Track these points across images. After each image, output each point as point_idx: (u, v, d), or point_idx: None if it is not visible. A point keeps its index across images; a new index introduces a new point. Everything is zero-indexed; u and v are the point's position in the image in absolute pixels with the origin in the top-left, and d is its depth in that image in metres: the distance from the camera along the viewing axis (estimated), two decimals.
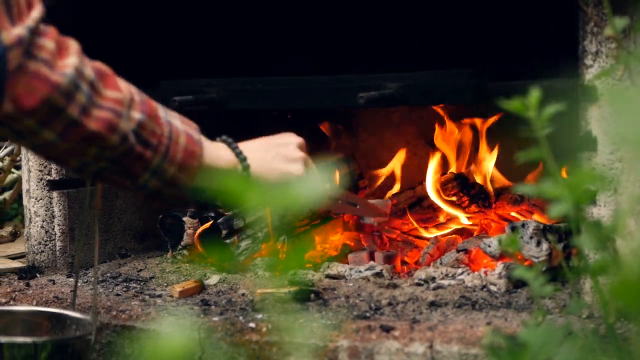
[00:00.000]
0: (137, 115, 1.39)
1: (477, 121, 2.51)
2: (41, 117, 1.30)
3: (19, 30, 1.26)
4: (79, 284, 2.16)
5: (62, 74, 1.30)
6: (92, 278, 1.59)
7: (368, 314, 1.80)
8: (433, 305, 1.84)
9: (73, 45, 1.36)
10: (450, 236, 2.27)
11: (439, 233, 2.31)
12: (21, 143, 1.41)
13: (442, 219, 2.37)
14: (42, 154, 1.40)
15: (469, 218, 2.35)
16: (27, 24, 1.28)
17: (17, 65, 1.26)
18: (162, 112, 1.44)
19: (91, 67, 1.37)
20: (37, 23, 1.30)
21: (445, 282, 1.95)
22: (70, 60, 1.32)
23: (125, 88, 1.40)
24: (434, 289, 1.92)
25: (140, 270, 2.26)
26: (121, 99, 1.37)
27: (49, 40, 1.31)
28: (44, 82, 1.29)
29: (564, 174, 1.69)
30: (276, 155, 1.58)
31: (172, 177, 1.43)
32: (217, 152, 1.50)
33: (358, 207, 2.01)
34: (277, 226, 2.23)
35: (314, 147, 2.71)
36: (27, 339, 1.52)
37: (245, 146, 1.55)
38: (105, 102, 1.35)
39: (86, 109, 1.32)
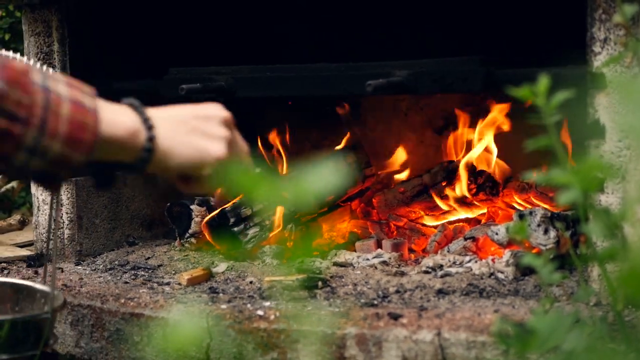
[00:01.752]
0: None
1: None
2: None
3: None
4: (87, 272, 2.17)
5: None
6: (52, 246, 1.55)
7: (376, 302, 1.81)
8: (441, 292, 1.84)
9: None
10: (457, 224, 2.27)
11: (446, 220, 2.31)
12: None
13: (445, 207, 2.37)
14: None
15: (476, 206, 2.35)
16: None
17: None
18: (38, 76, 1.19)
19: None
20: None
21: (453, 269, 1.95)
22: None
23: None
24: (442, 276, 1.92)
25: (149, 258, 2.27)
26: None
27: None
28: None
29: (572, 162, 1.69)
30: (193, 128, 1.32)
31: (60, 155, 1.19)
32: (117, 117, 1.25)
33: None
34: (285, 215, 2.24)
35: (322, 135, 2.71)
36: None
37: (156, 113, 1.30)
38: None
39: None
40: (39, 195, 2.31)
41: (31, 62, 1.56)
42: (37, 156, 1.18)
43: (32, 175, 1.23)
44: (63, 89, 1.20)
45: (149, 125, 1.27)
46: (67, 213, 2.29)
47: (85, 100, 1.21)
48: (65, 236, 2.30)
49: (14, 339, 1.48)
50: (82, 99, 1.21)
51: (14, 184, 3.13)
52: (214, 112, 1.35)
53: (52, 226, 1.52)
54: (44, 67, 1.20)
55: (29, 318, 1.54)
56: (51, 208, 1.59)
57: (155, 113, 1.29)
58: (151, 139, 1.26)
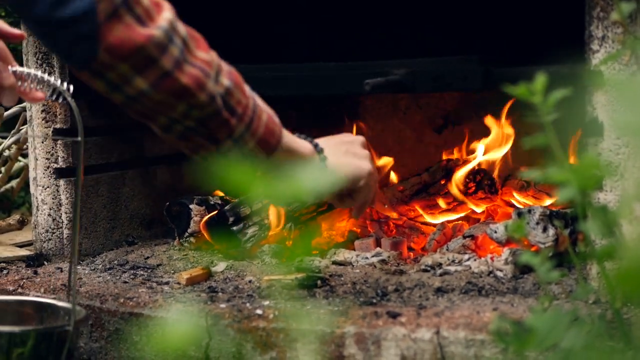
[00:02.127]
0: (225, 81, 1.44)
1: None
2: (135, 63, 1.35)
3: None
4: (86, 272, 2.17)
5: (158, 27, 1.36)
6: (73, 264, 1.58)
7: (375, 300, 1.81)
8: (439, 291, 1.84)
9: (166, 3, 1.41)
10: (456, 222, 2.27)
11: (445, 219, 2.31)
12: (114, 97, 1.42)
13: (443, 205, 2.37)
14: (133, 108, 1.43)
15: (475, 204, 2.35)
16: None
17: (108, 14, 1.32)
18: (247, 86, 1.50)
19: (183, 26, 1.42)
20: None
21: (452, 268, 1.95)
22: (165, 15, 1.38)
23: (214, 54, 1.45)
24: (441, 275, 1.93)
25: (148, 257, 2.27)
26: (210, 61, 1.42)
27: None
28: (139, 34, 1.34)
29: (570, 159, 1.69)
30: (347, 151, 1.65)
31: (251, 150, 1.48)
32: (294, 139, 1.57)
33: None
34: (284, 214, 2.24)
35: (320, 135, 2.71)
36: (12, 328, 1.54)
37: (320, 140, 1.63)
38: (196, 60, 1.40)
39: (179, 63, 1.37)
40: (38, 195, 2.31)
41: None
42: (237, 147, 1.47)
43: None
44: (260, 101, 1.51)
45: (319, 149, 1.61)
46: (65, 213, 2.29)
47: (273, 115, 1.53)
48: (64, 236, 2.30)
49: (37, 353, 1.51)
50: (271, 113, 1.53)
51: (13, 183, 3.13)
52: (354, 137, 1.71)
53: (77, 240, 1.58)
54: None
55: (52, 330, 1.57)
56: (74, 224, 1.60)
57: (319, 141, 1.63)
58: (324, 159, 1.61)
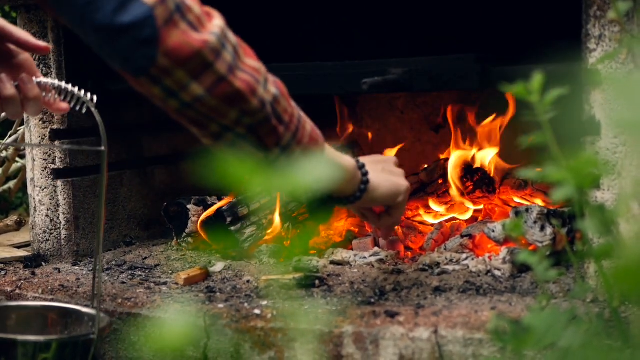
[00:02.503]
0: (272, 89, 1.48)
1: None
2: (192, 69, 1.38)
3: None
4: (84, 272, 2.17)
5: (211, 33, 1.41)
6: (96, 272, 1.59)
7: (373, 300, 1.81)
8: (437, 290, 1.84)
9: (216, 12, 1.47)
10: (454, 221, 2.27)
11: (442, 218, 2.31)
12: (169, 104, 1.45)
13: (442, 210, 2.37)
14: (187, 115, 1.46)
15: (473, 203, 2.35)
16: None
17: (165, 19, 1.36)
18: (291, 99, 1.54)
19: (233, 35, 1.46)
20: None
21: (450, 267, 1.95)
22: (216, 22, 1.44)
23: (261, 63, 1.50)
24: (439, 274, 1.93)
25: (146, 258, 2.27)
26: (259, 69, 1.47)
27: (193, 3, 1.41)
28: (195, 39, 1.38)
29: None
30: (383, 169, 1.74)
31: (296, 159, 1.51)
32: (337, 152, 1.64)
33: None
34: (282, 213, 2.24)
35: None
36: (40, 338, 1.55)
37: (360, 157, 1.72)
38: (246, 67, 1.44)
39: (232, 68, 1.41)
40: (36, 196, 2.31)
41: None
42: (284, 155, 1.50)
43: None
44: (303, 113, 1.56)
45: (360, 165, 1.69)
46: (63, 213, 2.29)
47: (314, 126, 1.58)
48: (62, 237, 2.30)
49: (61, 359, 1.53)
50: (314, 125, 1.58)
51: (10, 184, 3.13)
52: (387, 157, 1.82)
53: (100, 244, 1.59)
54: None
55: (76, 339, 1.58)
56: (99, 225, 1.61)
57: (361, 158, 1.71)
58: (366, 174, 1.68)
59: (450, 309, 1.71)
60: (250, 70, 1.44)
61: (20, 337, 1.54)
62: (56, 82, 1.59)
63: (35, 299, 1.99)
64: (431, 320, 1.66)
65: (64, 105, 1.61)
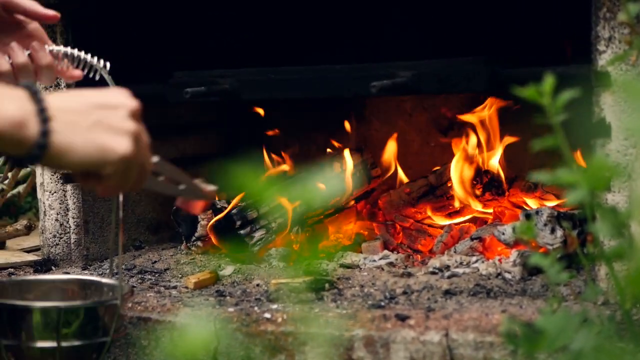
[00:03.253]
0: None
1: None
2: None
3: None
4: (94, 276, 2.17)
5: None
6: (117, 242, 1.58)
7: (383, 303, 1.80)
8: (448, 293, 1.84)
9: None
10: (464, 224, 2.27)
11: (453, 221, 2.31)
12: None
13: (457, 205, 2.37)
14: None
15: (482, 206, 2.34)
16: None
17: None
18: None
19: None
20: None
21: (460, 270, 1.95)
22: None
23: None
24: (449, 277, 1.92)
25: (155, 261, 2.27)
26: None
27: None
28: None
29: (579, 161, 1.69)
30: (97, 121, 1.14)
31: None
32: (2, 105, 1.07)
33: (182, 187, 1.49)
34: (293, 217, 2.24)
35: (327, 137, 2.71)
36: (60, 303, 1.56)
37: (57, 101, 1.12)
38: None
39: None
40: (45, 200, 2.31)
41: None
42: None
43: None
44: None
45: (44, 117, 1.10)
46: (73, 218, 2.29)
47: None
48: (72, 241, 2.30)
49: (85, 326, 1.54)
50: None
51: (20, 189, 3.14)
52: (121, 102, 1.18)
53: (120, 217, 1.54)
54: None
55: (99, 304, 1.58)
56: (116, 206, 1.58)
57: (55, 101, 1.12)
58: (45, 133, 1.10)
59: (461, 312, 1.71)
60: None
61: (40, 304, 1.56)
62: (68, 49, 1.58)
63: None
64: (442, 323, 1.66)
65: (77, 73, 1.59)
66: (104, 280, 1.72)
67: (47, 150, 1.10)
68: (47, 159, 1.11)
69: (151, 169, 1.27)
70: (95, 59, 1.56)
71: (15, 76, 1.55)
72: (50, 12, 1.59)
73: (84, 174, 1.17)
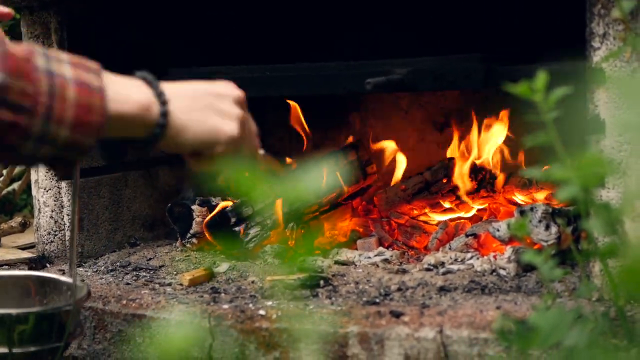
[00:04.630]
0: None
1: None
2: None
3: None
4: (88, 273, 2.17)
5: None
6: (73, 237, 1.56)
7: (378, 300, 1.80)
8: (442, 290, 1.84)
9: None
10: (459, 221, 2.27)
11: (447, 217, 2.31)
12: None
13: (448, 204, 2.37)
14: None
15: (477, 203, 2.34)
16: None
17: None
18: (41, 60, 1.15)
19: None
20: None
21: (455, 266, 1.95)
22: None
23: None
24: (443, 273, 1.92)
25: (150, 259, 2.27)
26: None
27: None
28: None
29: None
30: (207, 105, 1.29)
31: (69, 141, 1.15)
32: (127, 92, 1.22)
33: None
34: (286, 214, 2.24)
35: (323, 134, 2.71)
36: (12, 310, 1.54)
37: (170, 88, 1.27)
38: None
39: None
40: (40, 197, 2.31)
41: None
42: (46, 144, 1.15)
43: (42, 162, 1.19)
44: (67, 70, 1.16)
45: (162, 100, 1.24)
46: (68, 215, 2.29)
47: (92, 79, 1.17)
48: (67, 238, 2.30)
49: (39, 331, 1.53)
50: (88, 78, 1.17)
51: (15, 186, 3.13)
52: (228, 90, 1.33)
53: (76, 216, 1.52)
54: (47, 49, 1.17)
55: (52, 311, 1.57)
56: (74, 197, 1.52)
57: (169, 88, 1.26)
58: (165, 114, 1.23)
59: (455, 308, 1.71)
60: None
61: None
62: None
63: None
64: (436, 319, 1.66)
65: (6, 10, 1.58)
66: (62, 278, 1.69)
67: (167, 129, 1.24)
68: (165, 139, 1.24)
69: (258, 156, 1.39)
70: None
71: None
72: (5, 9, 1.57)
73: (195, 154, 1.30)
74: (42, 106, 1.13)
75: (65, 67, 1.16)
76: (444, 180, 2.42)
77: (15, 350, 1.50)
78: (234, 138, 1.30)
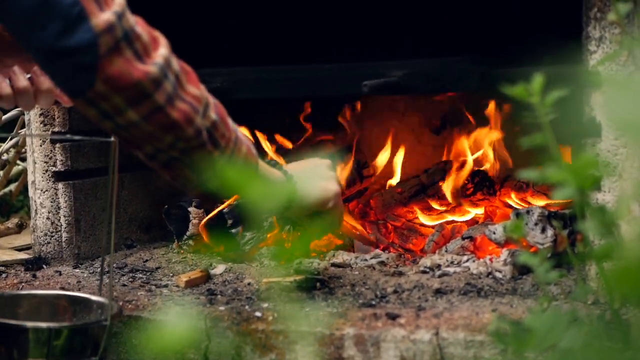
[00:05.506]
0: (212, 115, 1.47)
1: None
2: (130, 96, 1.38)
3: (107, 16, 1.34)
4: (85, 275, 2.17)
5: (154, 64, 1.39)
6: (107, 265, 1.61)
7: (374, 302, 1.81)
8: (438, 292, 1.84)
9: (162, 37, 1.44)
10: (455, 223, 2.27)
11: (443, 220, 2.31)
12: (104, 124, 1.45)
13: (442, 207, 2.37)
14: (121, 135, 1.47)
15: (474, 206, 2.35)
16: (114, 10, 1.36)
17: (109, 47, 1.34)
18: (229, 119, 1.54)
19: (177, 61, 1.45)
20: (123, 8, 1.38)
21: (451, 269, 1.95)
22: (161, 51, 1.42)
23: (203, 88, 1.49)
24: (440, 276, 1.92)
25: (146, 260, 2.26)
26: (199, 96, 1.46)
27: (142, 30, 1.40)
28: (137, 69, 1.37)
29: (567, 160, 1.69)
30: (314, 174, 1.74)
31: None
32: (268, 169, 1.65)
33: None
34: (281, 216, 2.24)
35: (320, 136, 2.71)
36: (51, 324, 1.57)
37: (288, 167, 1.71)
38: (187, 96, 1.43)
39: (171, 98, 1.41)
40: (37, 198, 2.30)
41: None
42: (218, 176, 1.47)
43: (207, 192, 1.57)
44: (240, 133, 1.55)
45: (289, 176, 1.68)
46: (64, 216, 2.29)
47: (251, 146, 1.59)
48: (63, 239, 2.29)
49: (72, 347, 1.55)
50: (250, 145, 1.58)
51: (11, 187, 3.13)
52: (320, 161, 1.78)
53: (112, 238, 1.62)
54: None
55: (87, 325, 1.60)
56: (109, 216, 1.65)
57: (287, 167, 1.71)
58: (293, 185, 1.68)
59: (451, 310, 1.71)
60: (190, 99, 1.44)
61: (31, 324, 1.57)
62: None
63: None
64: (432, 322, 1.66)
65: None
66: (94, 297, 1.73)
67: (295, 197, 1.70)
68: (293, 206, 1.71)
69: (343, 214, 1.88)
70: None
71: (15, 100, 1.63)
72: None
73: (311, 217, 1.76)
74: (229, 149, 1.51)
75: (239, 131, 1.56)
76: (441, 183, 2.42)
77: None
78: (337, 193, 1.76)
